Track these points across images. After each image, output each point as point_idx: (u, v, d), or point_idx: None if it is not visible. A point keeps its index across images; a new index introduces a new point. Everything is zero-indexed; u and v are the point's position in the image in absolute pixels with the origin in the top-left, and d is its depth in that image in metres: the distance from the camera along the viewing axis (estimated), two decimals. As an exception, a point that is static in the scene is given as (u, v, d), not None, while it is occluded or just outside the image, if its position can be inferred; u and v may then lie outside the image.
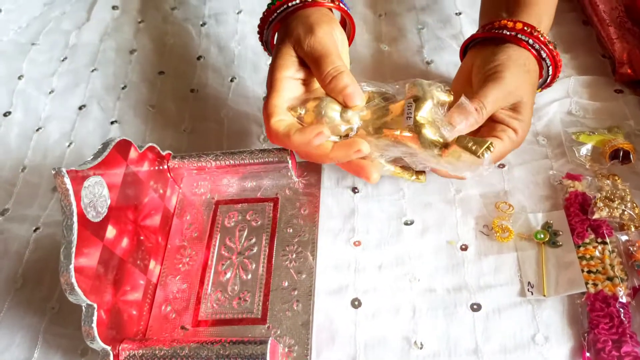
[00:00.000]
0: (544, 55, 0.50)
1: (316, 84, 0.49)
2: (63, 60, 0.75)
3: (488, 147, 0.42)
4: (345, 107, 0.46)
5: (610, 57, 0.58)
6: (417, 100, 0.45)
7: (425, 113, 0.44)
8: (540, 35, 0.49)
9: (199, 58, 0.71)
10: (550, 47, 0.50)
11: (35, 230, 0.58)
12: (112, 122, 0.66)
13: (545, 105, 0.57)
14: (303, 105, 0.47)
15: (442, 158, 0.44)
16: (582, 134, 0.53)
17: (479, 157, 0.42)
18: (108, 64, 0.73)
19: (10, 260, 0.56)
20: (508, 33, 0.49)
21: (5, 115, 0.69)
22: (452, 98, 0.47)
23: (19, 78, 0.73)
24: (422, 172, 0.50)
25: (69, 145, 0.65)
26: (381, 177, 0.48)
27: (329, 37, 0.47)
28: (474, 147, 0.43)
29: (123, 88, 0.70)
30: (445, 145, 0.44)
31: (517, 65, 0.48)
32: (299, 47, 0.47)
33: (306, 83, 0.49)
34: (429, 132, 0.44)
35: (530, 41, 0.49)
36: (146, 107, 0.67)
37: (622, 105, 0.56)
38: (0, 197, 0.62)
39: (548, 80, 0.53)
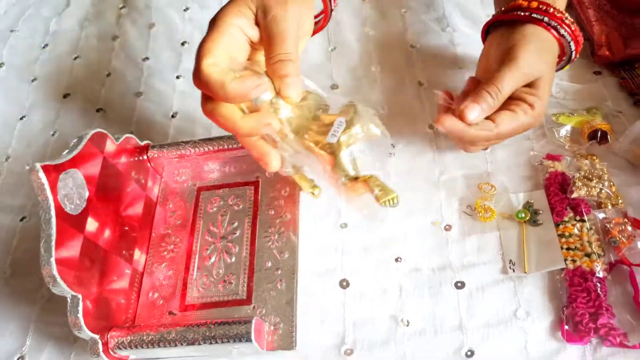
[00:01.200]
0: (562, 32, 0.48)
1: (257, 57, 0.45)
2: (44, 48, 0.74)
3: (392, 199, 0.41)
4: (277, 94, 0.42)
5: (589, 39, 0.59)
6: (349, 124, 0.41)
7: (350, 139, 0.41)
8: (556, 12, 0.48)
9: (183, 44, 0.71)
10: (568, 22, 0.48)
11: (21, 220, 0.58)
12: (97, 110, 0.66)
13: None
14: (240, 72, 0.41)
15: (345, 188, 0.42)
16: (561, 116, 0.54)
17: (379, 203, 0.41)
18: (91, 51, 0.72)
19: (-3, 249, 0.56)
20: (522, 14, 0.48)
21: (-14, 104, 0.69)
22: (383, 134, 0.43)
23: (0, 66, 0.72)
24: (317, 187, 0.48)
25: (53, 134, 0.65)
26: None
27: (296, 18, 0.43)
28: (379, 193, 0.41)
29: (107, 75, 0.69)
30: (354, 178, 0.41)
31: (532, 43, 0.47)
32: (263, 11, 0.43)
33: (252, 47, 0.45)
34: (345, 159, 0.41)
35: (546, 19, 0.47)
36: (131, 95, 0.67)
37: (601, 87, 0.57)
38: (-16, 187, 0.61)
39: (573, 57, 0.51)
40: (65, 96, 0.68)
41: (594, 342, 0.42)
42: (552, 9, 0.48)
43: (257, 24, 0.43)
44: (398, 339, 0.45)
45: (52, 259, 0.38)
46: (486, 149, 0.54)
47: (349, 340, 0.45)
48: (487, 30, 0.53)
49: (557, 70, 0.52)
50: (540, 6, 0.48)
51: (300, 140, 0.42)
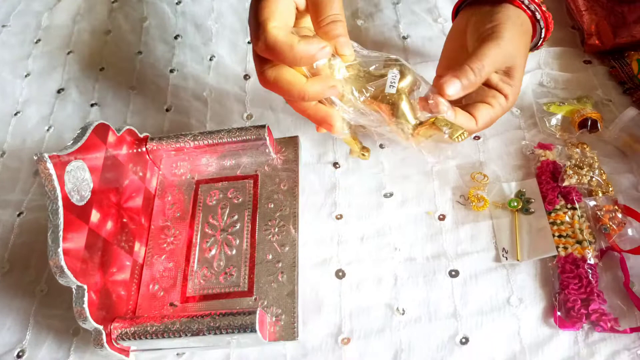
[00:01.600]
0: (538, 16, 0.49)
1: (301, 24, 0.45)
2: (37, 43, 0.73)
3: (462, 134, 0.43)
4: (334, 54, 0.43)
5: (579, 28, 0.60)
6: (402, 74, 0.44)
7: (406, 88, 0.44)
8: None
9: (176, 37, 0.71)
10: (544, 8, 0.49)
11: (19, 215, 0.58)
12: (91, 105, 0.66)
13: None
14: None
15: (412, 133, 0.45)
16: (552, 105, 0.54)
17: (452, 140, 0.43)
18: (84, 46, 0.72)
19: (-5, 245, 0.56)
20: None
21: (-20, 100, 0.69)
22: (425, 83, 0.46)
23: (-8, 61, 0.72)
24: (367, 149, 0.50)
25: (48, 129, 0.65)
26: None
27: None
28: (449, 130, 0.43)
29: (101, 70, 0.69)
30: (419, 124, 0.45)
31: (515, 26, 0.47)
32: None
33: (297, 16, 0.45)
34: (406, 106, 0.44)
35: (526, 1, 0.48)
36: (126, 89, 0.67)
37: (591, 76, 0.58)
38: (-20, 182, 0.62)
39: (539, 43, 0.53)
40: (59, 91, 0.68)
41: (585, 328, 0.43)
42: None
43: None
44: (394, 327, 0.46)
45: (60, 250, 0.38)
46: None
47: (345, 329, 0.46)
48: (458, 9, 0.53)
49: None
50: None
51: (362, 98, 0.44)
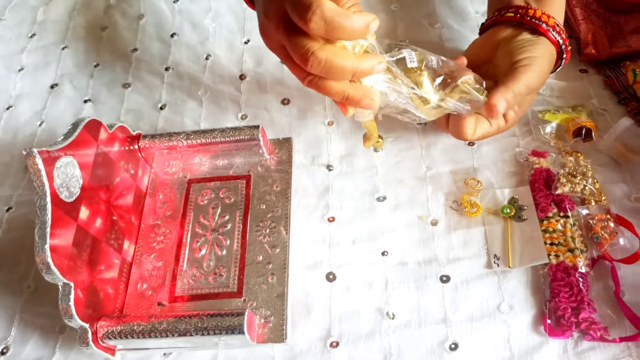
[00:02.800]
0: (563, 47, 0.51)
1: None
2: (31, 37, 0.73)
3: (483, 91, 0.46)
4: None
5: (576, 37, 0.60)
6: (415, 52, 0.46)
7: (424, 63, 0.46)
8: (562, 32, 0.51)
9: (172, 35, 0.70)
10: (567, 42, 0.51)
11: (7, 210, 0.57)
12: (85, 101, 0.65)
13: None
14: None
15: (444, 93, 0.46)
16: (547, 113, 0.54)
17: (482, 97, 0.46)
18: (79, 42, 0.72)
19: (-18, 240, 0.56)
20: (545, 27, 0.50)
21: (-27, 93, 0.68)
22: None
23: (-14, 55, 0.71)
24: (382, 137, 0.50)
25: (40, 125, 0.64)
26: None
27: None
28: (475, 88, 0.46)
29: (96, 66, 0.69)
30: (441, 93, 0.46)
31: (546, 61, 0.49)
32: None
33: None
34: (427, 82, 0.46)
35: (558, 38, 0.50)
36: (120, 86, 0.66)
37: (586, 85, 0.58)
38: (-30, 177, 0.61)
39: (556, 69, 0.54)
40: (52, 86, 0.68)
41: (575, 336, 0.43)
42: (559, 28, 0.50)
43: None
44: (383, 332, 0.46)
45: (47, 246, 0.38)
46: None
47: (334, 332, 0.46)
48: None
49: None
50: (556, 25, 0.50)
51: (399, 73, 0.44)
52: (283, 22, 0.40)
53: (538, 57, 0.48)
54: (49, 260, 0.38)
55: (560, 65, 0.53)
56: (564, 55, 0.52)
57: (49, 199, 0.38)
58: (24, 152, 0.38)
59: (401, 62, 0.45)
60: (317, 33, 0.38)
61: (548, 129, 0.54)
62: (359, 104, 0.43)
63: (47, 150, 0.39)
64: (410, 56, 0.45)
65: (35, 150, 0.38)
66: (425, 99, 0.45)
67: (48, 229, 0.38)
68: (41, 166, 0.38)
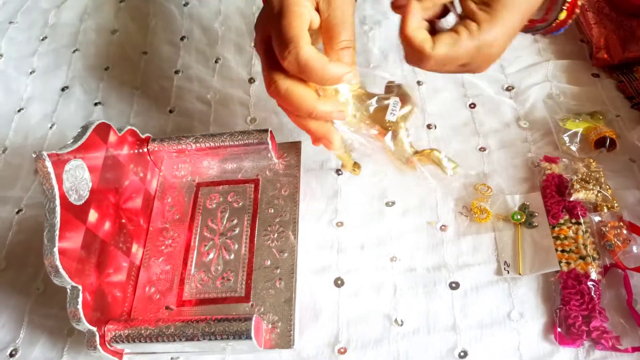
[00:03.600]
0: None
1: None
2: (43, 40, 0.74)
3: (455, 168, 0.45)
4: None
5: (588, 41, 0.59)
6: (403, 102, 0.45)
7: (405, 118, 0.45)
8: None
9: (182, 39, 0.70)
10: None
11: (17, 212, 0.58)
12: (95, 104, 0.66)
13: (526, 89, 0.58)
14: None
15: (407, 161, 0.46)
16: (568, 121, 0.53)
17: (445, 173, 0.45)
18: (89, 45, 0.72)
19: (-8, 242, 0.56)
20: None
21: (-16, 95, 0.69)
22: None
23: (-2, 57, 0.72)
24: (358, 165, 0.50)
25: (51, 127, 0.65)
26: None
27: (353, 5, 0.42)
28: (443, 165, 0.45)
29: (106, 69, 0.69)
30: (415, 153, 0.45)
31: None
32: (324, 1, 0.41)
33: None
34: (404, 135, 0.45)
35: None
36: (130, 89, 0.66)
37: (599, 89, 0.57)
38: (-19, 179, 0.61)
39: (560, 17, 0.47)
40: (63, 89, 0.68)
41: (586, 345, 0.43)
42: None
43: (317, 10, 0.41)
44: (392, 338, 0.45)
45: (56, 249, 0.38)
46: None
47: (342, 338, 0.46)
48: None
49: (530, 27, 0.48)
50: None
51: (360, 121, 0.44)
52: (265, 42, 0.41)
53: None
54: (58, 263, 0.38)
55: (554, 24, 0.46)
56: None
57: (58, 202, 0.38)
58: (34, 155, 0.38)
59: (383, 110, 0.45)
60: (290, 71, 0.39)
61: (566, 137, 0.52)
62: (319, 141, 0.45)
63: (56, 153, 0.39)
64: (394, 108, 0.44)
65: (44, 153, 0.38)
66: (396, 152, 0.45)
67: (57, 232, 0.38)
68: (50, 169, 0.38)
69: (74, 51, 0.72)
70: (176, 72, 0.67)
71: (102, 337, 0.42)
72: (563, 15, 0.47)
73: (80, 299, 0.40)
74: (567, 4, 0.46)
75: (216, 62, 0.67)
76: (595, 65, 0.59)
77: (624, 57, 0.57)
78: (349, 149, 0.47)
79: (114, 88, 0.67)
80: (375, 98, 0.44)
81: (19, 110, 0.67)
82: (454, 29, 0.40)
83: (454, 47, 0.39)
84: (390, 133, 0.44)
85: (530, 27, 0.49)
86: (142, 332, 0.42)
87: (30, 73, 0.70)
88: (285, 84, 0.40)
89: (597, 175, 0.49)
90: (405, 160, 0.45)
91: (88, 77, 0.69)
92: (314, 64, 0.38)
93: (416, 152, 0.45)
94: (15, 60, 0.72)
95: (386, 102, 0.44)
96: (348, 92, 0.44)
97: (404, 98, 0.45)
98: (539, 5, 0.43)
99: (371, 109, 0.44)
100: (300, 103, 0.40)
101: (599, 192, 0.48)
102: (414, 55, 0.40)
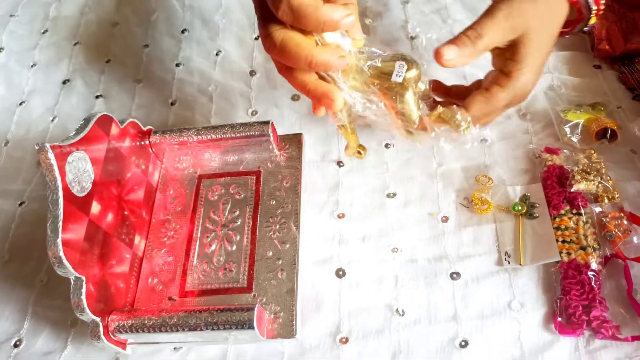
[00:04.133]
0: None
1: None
2: (44, 33, 0.73)
3: (468, 126, 0.42)
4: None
5: (589, 33, 0.59)
6: (409, 65, 0.43)
7: (412, 80, 0.43)
8: None
9: (183, 31, 0.70)
10: None
11: (20, 205, 0.58)
12: (96, 97, 0.66)
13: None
14: None
15: (415, 127, 0.44)
16: (569, 112, 0.53)
17: (459, 132, 0.43)
18: (91, 38, 0.72)
19: (-5, 234, 0.56)
20: None
21: (-14, 89, 0.69)
22: (429, 87, 0.46)
23: (-1, 51, 0.72)
24: (364, 147, 0.49)
25: (52, 120, 0.65)
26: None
27: None
28: (458, 121, 0.43)
29: (107, 62, 0.69)
30: (425, 115, 0.44)
31: (548, 32, 0.44)
32: None
33: None
34: (411, 97, 0.43)
35: None
36: (131, 82, 0.66)
37: (601, 81, 0.57)
38: (-17, 171, 0.62)
39: (589, 23, 0.49)
40: (64, 82, 0.68)
41: (586, 335, 0.43)
42: None
43: None
44: (393, 328, 0.45)
45: (59, 240, 0.38)
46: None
47: (344, 328, 0.46)
48: None
49: (569, 32, 0.50)
50: None
51: (367, 84, 0.42)
52: (259, 2, 0.40)
53: (534, 32, 0.42)
54: (61, 254, 0.38)
55: (590, 6, 0.46)
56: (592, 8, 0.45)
57: (61, 194, 0.38)
58: (37, 147, 0.38)
59: (388, 72, 0.43)
60: (286, 21, 0.38)
61: (567, 129, 0.52)
62: (319, 103, 0.42)
63: (59, 145, 0.39)
64: (400, 70, 0.42)
65: (47, 145, 0.38)
66: (404, 115, 0.43)
67: (60, 223, 0.38)
68: (53, 161, 0.38)
69: (75, 44, 0.71)
70: (177, 64, 0.67)
71: (106, 327, 0.43)
72: (593, 20, 0.49)
73: (83, 290, 0.40)
74: (594, 10, 0.47)
75: (217, 54, 0.67)
76: (596, 56, 0.59)
77: (625, 49, 0.57)
78: (353, 126, 0.46)
79: (115, 81, 0.67)
80: (380, 58, 0.43)
81: (20, 104, 0.67)
82: (486, 87, 0.44)
83: (488, 103, 0.44)
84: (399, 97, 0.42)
85: (565, 34, 0.49)
86: (146, 322, 0.42)
87: (32, 66, 0.70)
88: (280, 34, 0.39)
89: (598, 166, 0.50)
90: (414, 124, 0.43)
91: (89, 70, 0.69)
92: (306, 7, 0.37)
93: (427, 114, 0.43)
94: (17, 54, 0.72)
95: (391, 63, 0.43)
96: (351, 47, 0.42)
97: (410, 64, 0.43)
98: (559, 31, 0.45)
99: (374, 70, 0.42)
100: (298, 52, 0.38)
101: (599, 183, 0.49)
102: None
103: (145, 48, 0.70)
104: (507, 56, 0.44)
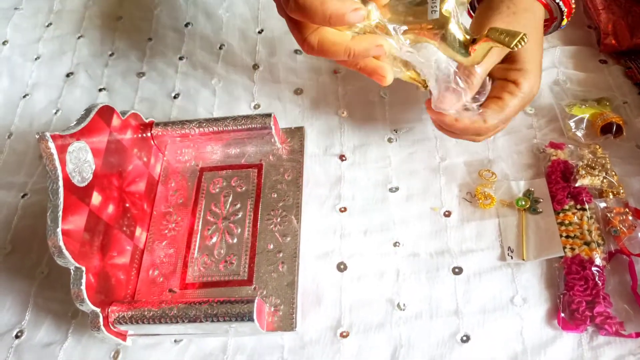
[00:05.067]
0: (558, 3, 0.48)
1: None
2: (48, 26, 0.74)
3: (522, 39, 0.39)
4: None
5: (596, 27, 0.59)
6: None
7: (450, 7, 0.40)
8: None
9: (186, 25, 0.70)
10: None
11: (23, 197, 0.58)
12: (100, 90, 0.66)
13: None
14: None
15: (469, 54, 0.41)
16: (574, 107, 0.53)
17: (512, 48, 0.39)
18: (94, 31, 0.72)
19: (-2, 226, 0.56)
20: None
21: (-10, 81, 0.69)
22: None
23: (3, 44, 0.72)
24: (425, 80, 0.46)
25: (55, 113, 0.65)
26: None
27: None
28: (506, 39, 0.39)
29: (111, 55, 0.69)
30: (472, 41, 0.40)
31: (499, 9, 0.45)
32: None
33: None
34: (454, 27, 0.40)
35: None
36: (135, 75, 0.66)
37: (606, 76, 0.57)
38: (-14, 164, 0.62)
39: (562, 22, 0.51)
40: (68, 75, 0.68)
41: (589, 331, 0.43)
42: None
43: None
44: (394, 323, 0.45)
45: (59, 230, 0.38)
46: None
47: (345, 322, 0.46)
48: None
49: (546, 34, 0.52)
50: None
51: (406, 33, 0.41)
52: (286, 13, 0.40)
53: (482, 8, 0.45)
54: (61, 243, 0.38)
55: (561, 7, 0.48)
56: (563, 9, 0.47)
57: (61, 183, 0.38)
58: (37, 136, 0.38)
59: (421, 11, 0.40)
60: (296, 17, 0.38)
61: (572, 123, 0.52)
62: (371, 77, 0.43)
63: (60, 135, 0.39)
64: (434, 4, 0.40)
65: (47, 134, 0.38)
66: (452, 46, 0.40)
67: (60, 213, 0.38)
68: (54, 150, 0.38)
69: (78, 37, 0.72)
70: (180, 58, 0.67)
71: (106, 318, 0.43)
72: (565, 22, 0.51)
73: (83, 280, 0.40)
74: (565, 12, 0.49)
75: (220, 48, 0.67)
76: (602, 51, 0.58)
77: (632, 44, 0.56)
78: (409, 66, 0.44)
79: (118, 74, 0.67)
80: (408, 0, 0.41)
81: (24, 96, 0.67)
82: (496, 96, 0.46)
83: (503, 111, 0.45)
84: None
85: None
86: (146, 313, 0.42)
87: (35, 59, 0.70)
88: (315, 37, 0.40)
89: (603, 162, 0.49)
90: (465, 51, 0.41)
91: (93, 63, 0.69)
92: (312, 3, 0.37)
93: (473, 41, 0.40)
94: (21, 47, 0.72)
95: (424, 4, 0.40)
96: (376, 12, 0.40)
97: None
98: (542, 29, 0.48)
99: (410, 15, 0.40)
100: (336, 50, 0.40)
101: (604, 178, 0.48)
102: (473, 135, 0.47)
103: (149, 42, 0.69)
104: (507, 67, 0.46)
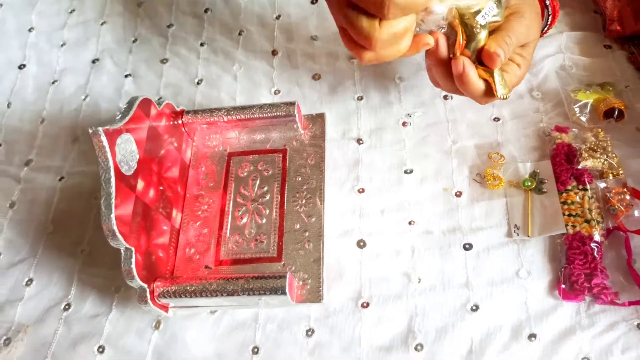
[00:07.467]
0: (547, 2, 0.53)
1: None
2: (71, 13, 0.76)
3: (506, 94, 0.47)
4: None
5: (601, 13, 0.61)
6: (498, 8, 0.45)
7: (490, 23, 0.46)
8: None
9: (206, 11, 0.72)
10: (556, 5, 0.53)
11: (60, 180, 0.62)
12: (125, 76, 0.69)
13: (540, 61, 0.60)
14: None
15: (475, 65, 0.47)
16: (579, 92, 0.56)
17: (495, 94, 0.47)
18: (117, 17, 0.74)
19: (39, 207, 0.60)
20: None
21: (20, 68, 0.72)
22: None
23: (30, 30, 0.75)
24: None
25: (84, 99, 0.68)
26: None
27: None
28: (500, 83, 0.47)
29: (134, 41, 0.72)
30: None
31: (531, 7, 0.50)
32: None
33: None
34: (484, 36, 0.46)
35: None
36: (158, 61, 0.69)
37: (611, 61, 0.59)
38: (23, 148, 0.65)
39: (545, 29, 0.56)
40: (94, 61, 0.71)
41: (587, 300, 0.47)
42: None
43: None
44: (409, 294, 0.49)
45: (112, 215, 0.42)
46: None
47: (365, 294, 0.50)
48: None
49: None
50: None
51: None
52: (344, 5, 0.42)
53: (523, 3, 0.49)
54: (115, 228, 0.42)
55: (549, 15, 0.54)
56: (547, 3, 0.53)
57: (113, 173, 0.42)
58: (90, 131, 0.42)
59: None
60: (395, 17, 0.41)
61: (577, 108, 0.55)
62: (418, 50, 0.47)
63: (109, 129, 0.43)
64: (490, 11, 0.44)
65: (100, 129, 0.42)
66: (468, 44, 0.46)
67: (113, 200, 0.42)
68: (106, 143, 0.42)
69: (102, 24, 0.74)
70: (202, 44, 0.69)
71: (152, 292, 0.47)
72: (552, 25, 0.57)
73: (133, 260, 0.44)
74: (551, 12, 0.54)
75: (240, 34, 0.69)
76: (607, 36, 0.60)
77: (636, 29, 0.58)
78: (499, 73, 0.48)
79: (142, 60, 0.70)
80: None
81: (53, 82, 0.70)
82: (503, 69, 0.48)
83: (510, 79, 0.48)
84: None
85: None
86: (188, 288, 0.47)
87: (61, 46, 0.73)
88: (368, 54, 0.43)
89: (605, 144, 0.52)
90: (473, 54, 0.46)
91: (117, 50, 0.71)
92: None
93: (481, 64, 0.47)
94: (47, 33, 0.74)
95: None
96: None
97: (499, 6, 0.45)
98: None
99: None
100: (392, 56, 0.44)
101: (605, 160, 0.52)
102: (483, 100, 0.50)
103: (170, 28, 0.72)
104: (517, 50, 0.50)
